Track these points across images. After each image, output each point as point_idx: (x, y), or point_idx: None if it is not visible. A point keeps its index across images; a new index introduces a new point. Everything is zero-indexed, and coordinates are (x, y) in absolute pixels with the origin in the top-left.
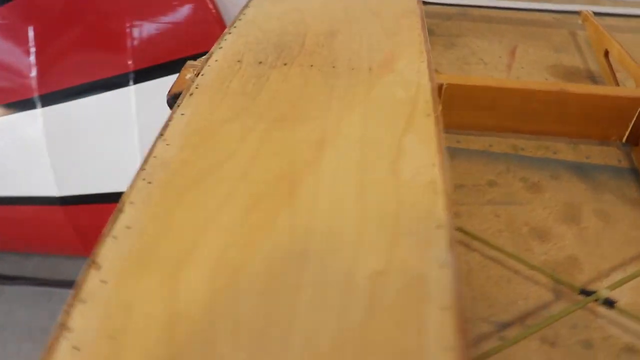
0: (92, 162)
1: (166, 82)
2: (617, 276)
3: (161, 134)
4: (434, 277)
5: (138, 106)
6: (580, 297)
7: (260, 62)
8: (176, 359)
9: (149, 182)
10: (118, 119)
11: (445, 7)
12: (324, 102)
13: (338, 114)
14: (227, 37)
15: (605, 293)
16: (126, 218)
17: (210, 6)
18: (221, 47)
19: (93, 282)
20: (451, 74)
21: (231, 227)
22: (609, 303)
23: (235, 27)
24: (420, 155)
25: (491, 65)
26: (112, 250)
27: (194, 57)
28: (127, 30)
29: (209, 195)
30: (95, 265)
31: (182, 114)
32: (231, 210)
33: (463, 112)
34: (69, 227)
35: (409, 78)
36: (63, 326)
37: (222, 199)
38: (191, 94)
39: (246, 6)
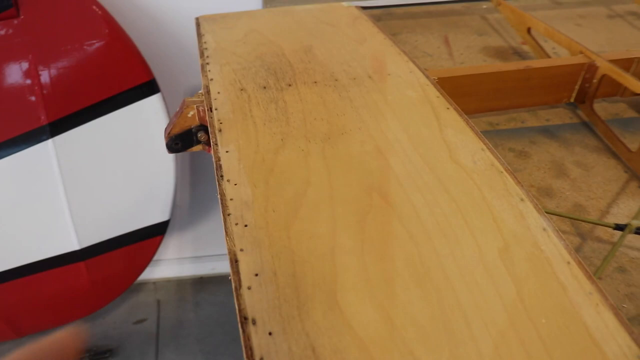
0: (11, 234)
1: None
2: (617, 210)
3: (221, 175)
4: (544, 240)
5: (59, 160)
6: (617, 232)
7: (265, 87)
8: None
9: (245, 225)
10: (38, 177)
11: (371, 9)
12: (353, 115)
13: (374, 123)
14: (209, 67)
15: (635, 223)
16: (248, 266)
17: (125, 39)
18: (212, 79)
19: (260, 339)
20: (435, 69)
21: (357, 247)
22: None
23: (208, 57)
24: (466, 144)
25: (436, 56)
26: (254, 300)
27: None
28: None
29: (315, 223)
30: (252, 322)
31: (227, 151)
32: (345, 231)
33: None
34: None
35: (408, 78)
36: None
37: (330, 223)
38: (220, 130)
39: (200, 34)
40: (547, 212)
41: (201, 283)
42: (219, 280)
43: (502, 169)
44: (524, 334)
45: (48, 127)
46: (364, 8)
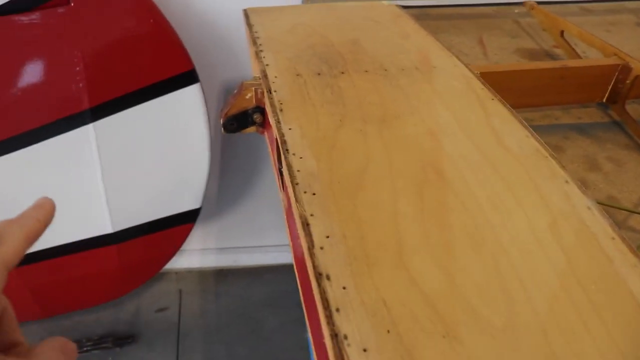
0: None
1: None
2: None
3: (286, 150)
4: (589, 217)
5: (99, 145)
6: None
7: (319, 74)
8: (451, 334)
9: (313, 194)
10: (77, 161)
11: (408, 9)
12: (404, 101)
13: (425, 109)
14: (264, 54)
15: None
16: (319, 229)
17: (168, 29)
18: (268, 65)
19: (335, 292)
20: (476, 64)
21: (418, 215)
22: None
23: (261, 44)
24: (512, 131)
25: (472, 56)
26: (328, 259)
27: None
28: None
29: (378, 193)
30: (326, 277)
31: (290, 129)
32: (406, 201)
33: None
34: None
35: (452, 71)
36: (337, 337)
37: (391, 194)
38: (281, 110)
39: (250, 24)
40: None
41: (223, 274)
42: (240, 273)
43: (546, 154)
44: (576, 297)
45: (89, 112)
46: (402, 7)
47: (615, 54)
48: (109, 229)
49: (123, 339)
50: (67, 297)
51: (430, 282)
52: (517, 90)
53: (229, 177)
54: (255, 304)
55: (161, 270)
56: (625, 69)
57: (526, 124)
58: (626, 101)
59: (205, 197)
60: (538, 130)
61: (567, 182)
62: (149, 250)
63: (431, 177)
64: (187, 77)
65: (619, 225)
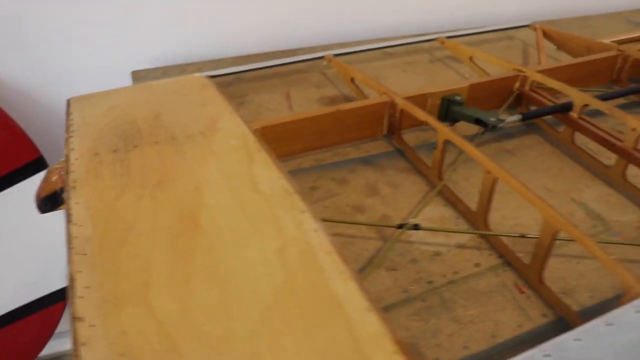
0: None
1: None
2: (416, 215)
3: (69, 220)
4: (313, 238)
5: None
6: (399, 231)
7: (115, 150)
8: (174, 349)
9: (84, 254)
10: None
11: (224, 77)
12: (184, 164)
13: (199, 169)
14: (72, 139)
15: (412, 221)
16: (82, 281)
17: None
18: (73, 149)
19: (84, 330)
20: (257, 120)
21: (168, 260)
22: (416, 227)
23: (72, 131)
24: (268, 176)
25: (277, 110)
26: (84, 305)
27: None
28: None
29: (138, 247)
30: (79, 319)
31: (77, 203)
32: (161, 250)
33: (275, 145)
34: None
35: (233, 131)
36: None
37: (150, 245)
38: (74, 187)
39: (69, 113)
40: (332, 221)
41: None
42: None
43: (292, 191)
44: (286, 305)
45: None
46: (215, 76)
47: (385, 93)
48: None
49: None
50: None
51: (166, 312)
52: (302, 137)
53: None
54: None
55: (47, 356)
56: (393, 104)
57: (282, 168)
58: (402, 131)
59: None
60: (328, 167)
61: (303, 212)
62: (22, 337)
63: (188, 227)
64: (36, 165)
65: (387, 240)
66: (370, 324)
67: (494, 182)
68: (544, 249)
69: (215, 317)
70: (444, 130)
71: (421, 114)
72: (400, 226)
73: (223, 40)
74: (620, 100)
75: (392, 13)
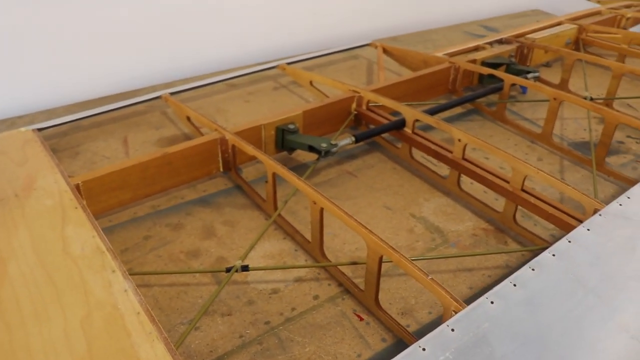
0: None
1: None
2: (253, 253)
3: None
4: (122, 300)
5: None
6: (228, 275)
7: None
8: None
9: None
10: None
11: (58, 127)
12: None
13: (6, 237)
14: None
15: (238, 264)
16: None
17: None
18: None
19: None
20: (83, 173)
21: None
22: (245, 269)
23: None
24: (82, 235)
25: (113, 158)
26: None
27: None
28: None
29: None
30: None
31: None
32: None
33: (104, 197)
34: None
35: (50, 189)
36: None
37: None
38: None
39: None
40: (142, 274)
41: None
42: None
43: (104, 249)
44: None
45: None
46: (46, 128)
47: (216, 129)
48: None
49: None
50: None
51: None
52: (130, 185)
53: None
54: None
55: None
56: (224, 141)
57: (96, 225)
58: (239, 166)
59: None
60: (163, 213)
61: (113, 271)
62: None
63: None
64: None
65: (221, 284)
66: None
67: (321, 212)
68: (374, 274)
69: None
70: (270, 164)
71: (249, 149)
72: (227, 270)
73: (57, 88)
74: (459, 110)
75: (231, 44)
